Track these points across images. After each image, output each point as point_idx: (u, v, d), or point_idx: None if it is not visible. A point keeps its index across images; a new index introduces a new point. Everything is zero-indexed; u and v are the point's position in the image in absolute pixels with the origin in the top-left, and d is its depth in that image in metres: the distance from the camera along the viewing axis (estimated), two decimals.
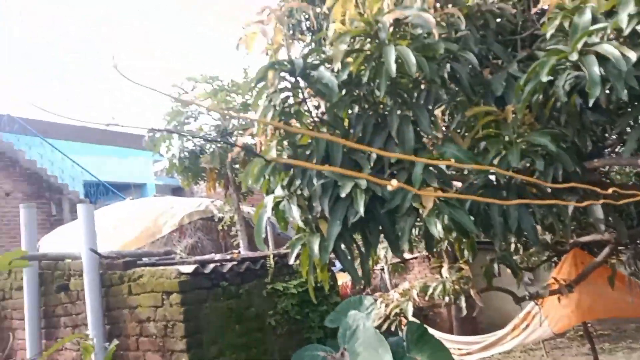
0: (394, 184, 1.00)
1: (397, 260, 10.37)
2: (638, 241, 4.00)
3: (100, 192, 13.62)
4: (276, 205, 2.52)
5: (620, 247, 4.20)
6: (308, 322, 4.92)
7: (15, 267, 3.92)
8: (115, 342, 3.10)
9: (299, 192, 2.46)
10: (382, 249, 7.39)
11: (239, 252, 5.70)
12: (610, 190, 1.91)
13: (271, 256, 4.66)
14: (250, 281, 4.49)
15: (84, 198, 12.44)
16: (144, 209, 8.91)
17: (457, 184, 3.02)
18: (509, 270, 3.79)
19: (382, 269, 11.14)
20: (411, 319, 4.37)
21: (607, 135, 3.24)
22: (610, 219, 2.84)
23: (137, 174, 15.55)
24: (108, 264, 4.36)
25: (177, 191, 15.96)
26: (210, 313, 4.02)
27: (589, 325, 7.22)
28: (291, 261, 2.49)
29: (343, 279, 9.86)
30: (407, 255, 11.05)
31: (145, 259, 4.66)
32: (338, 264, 8.59)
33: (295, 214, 2.40)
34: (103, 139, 15.15)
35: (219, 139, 7.94)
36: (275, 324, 4.57)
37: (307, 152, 2.42)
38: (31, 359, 4.33)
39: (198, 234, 9.62)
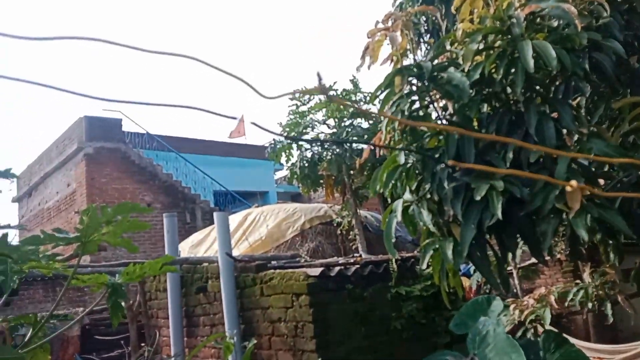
0: (573, 184, 0.94)
1: (527, 263, 9.78)
2: None
3: (228, 201, 14.58)
4: (405, 209, 2.51)
5: None
6: (434, 327, 4.81)
7: (165, 272, 4.33)
8: (254, 341, 3.28)
9: (428, 196, 2.43)
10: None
11: (361, 256, 5.75)
12: None
13: (394, 260, 4.64)
14: (374, 284, 4.51)
15: (214, 206, 13.39)
16: (268, 215, 9.36)
17: (602, 183, 2.79)
18: None
19: (511, 273, 10.58)
20: (548, 327, 4.09)
21: None
22: None
23: (260, 183, 16.44)
24: (241, 267, 4.64)
25: (296, 198, 16.54)
26: (337, 315, 4.10)
27: None
28: (423, 266, 2.46)
29: (466, 282, 9.51)
30: (533, 260, 10.38)
31: (274, 262, 4.89)
32: (461, 268, 8.29)
33: (425, 218, 2.37)
34: (229, 151, 16.23)
35: (345, 140, 8.08)
36: (401, 327, 4.54)
37: (437, 155, 2.38)
38: (176, 355, 4.73)
39: (319, 238, 9.88)
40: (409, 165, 2.46)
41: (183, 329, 5.23)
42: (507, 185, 2.13)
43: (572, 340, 6.82)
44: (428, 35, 4.10)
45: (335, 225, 9.42)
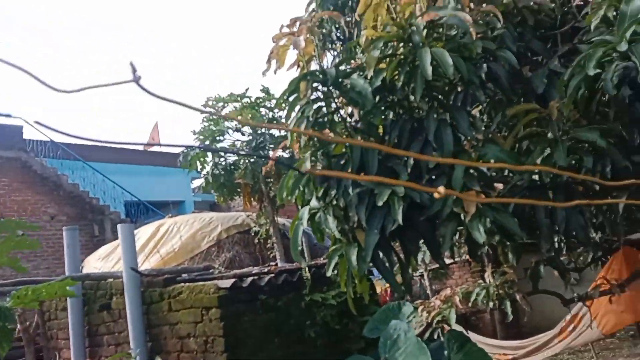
0: (441, 191, 0.94)
1: (437, 265, 10.18)
2: None
3: (141, 211, 13.92)
4: (312, 216, 2.48)
5: None
6: (348, 333, 4.83)
7: (62, 295, 4.01)
8: (158, 359, 3.10)
9: (334, 202, 2.41)
10: (421, 252, 7.21)
11: (277, 265, 5.68)
12: None
13: (307, 268, 4.61)
14: (288, 293, 4.45)
15: (125, 218, 12.72)
16: (182, 226, 9.03)
17: (499, 186, 2.92)
18: (555, 273, 3.63)
19: (422, 275, 10.95)
20: (454, 326, 4.24)
21: None
22: None
23: (175, 192, 15.85)
24: (148, 281, 4.40)
25: (215, 207, 16.17)
26: (250, 327, 3.99)
27: None
28: (329, 273, 2.43)
29: (381, 286, 9.73)
30: (447, 261, 10.82)
31: (184, 275, 4.69)
32: (377, 272, 8.47)
33: (331, 224, 2.35)
34: (141, 159, 15.52)
35: (253, 153, 7.99)
36: (315, 335, 4.51)
37: (342, 162, 2.37)
38: None
39: (236, 248, 9.68)
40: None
41: (85, 349, 4.88)
42: (408, 191, 2.16)
43: (478, 337, 7.19)
44: (340, 42, 4.14)
45: (253, 234, 9.28)
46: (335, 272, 2.56)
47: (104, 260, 8.05)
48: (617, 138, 2.43)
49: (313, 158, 2.42)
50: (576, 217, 2.30)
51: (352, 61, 2.62)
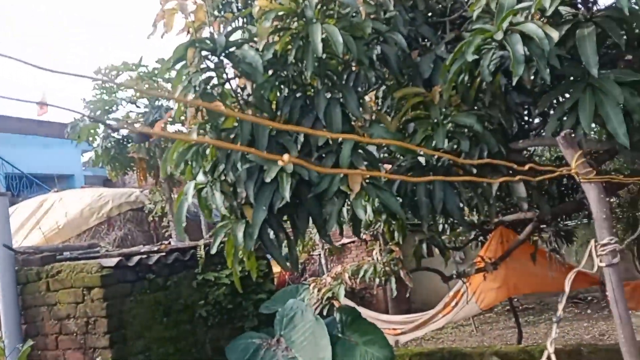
0: (285, 158, 0.92)
1: (335, 244, 10.45)
2: (558, 219, 4.19)
3: (24, 185, 12.77)
4: (199, 192, 2.40)
5: (542, 226, 4.39)
6: (241, 312, 4.81)
7: None
8: (30, 342, 2.87)
9: (222, 177, 2.35)
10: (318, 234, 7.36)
11: (169, 243, 5.48)
12: (527, 167, 1.94)
13: (202, 246, 4.50)
14: (179, 272, 4.31)
15: (6, 192, 11.56)
16: (69, 201, 8.42)
17: (387, 167, 3.02)
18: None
19: (320, 255, 11.19)
20: (344, 301, 4.38)
21: (531, 119, 3.34)
22: (532, 198, 2.93)
23: (64, 165, 14.67)
24: (24, 260, 4.05)
25: (108, 183, 15.26)
26: (136, 307, 3.82)
27: (515, 300, 7.58)
28: (213, 250, 2.38)
29: (278, 267, 9.79)
30: (344, 240, 11.14)
31: (66, 254, 4.37)
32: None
33: (218, 200, 2.29)
34: (25, 128, 14.17)
35: (113, 125, 7.56)
36: (207, 314, 4.43)
37: (232, 136, 2.31)
38: None
39: (128, 226, 9.23)
40: (203, 145, 2.35)
41: None
42: (296, 168, 2.16)
43: (369, 313, 7.50)
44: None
45: (147, 212, 8.88)
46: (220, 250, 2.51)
47: None
48: (495, 125, 2.61)
49: (201, 130, 2.33)
50: (453, 198, 2.43)
51: (244, 31, 2.54)
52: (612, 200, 6.13)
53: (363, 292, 11.04)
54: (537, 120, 3.32)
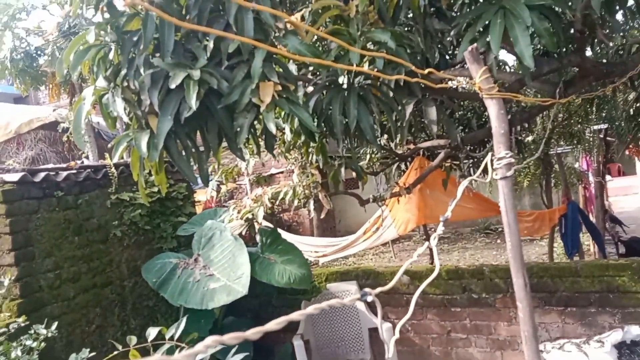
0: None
1: (265, 174, 10.44)
2: (471, 147, 4.37)
3: None
4: (100, 98, 2.24)
5: (455, 154, 4.57)
6: (159, 233, 4.75)
7: None
8: None
9: (125, 83, 2.20)
10: (244, 163, 7.28)
11: (81, 162, 5.22)
12: (437, 86, 1.96)
13: (112, 165, 4.32)
14: (91, 191, 4.14)
15: None
16: None
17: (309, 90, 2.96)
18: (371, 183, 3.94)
19: (246, 184, 11.17)
20: (263, 222, 4.42)
21: (456, 51, 3.37)
22: (442, 123, 3.01)
23: None
24: None
25: (20, 100, 14.16)
26: (44, 225, 3.66)
27: (430, 229, 8.02)
28: (114, 159, 2.27)
29: (206, 194, 9.71)
30: (273, 170, 11.15)
31: None
32: (200, 181, 8.37)
33: (119, 108, 2.15)
34: None
35: None
36: (122, 235, 4.34)
37: (135, 38, 2.14)
38: None
39: (40, 145, 8.70)
40: (103, 47, 2.17)
41: None
42: (205, 76, 2.05)
43: (295, 237, 7.66)
44: None
45: (61, 131, 8.37)
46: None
47: None
48: (417, 52, 2.60)
49: (102, 32, 2.15)
50: (366, 117, 2.44)
51: None
52: (527, 137, 6.47)
53: (290, 221, 11.26)
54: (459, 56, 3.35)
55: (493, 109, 1.73)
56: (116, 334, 4.06)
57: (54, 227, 3.75)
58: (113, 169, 4.25)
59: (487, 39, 2.16)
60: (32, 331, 2.39)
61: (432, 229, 10.07)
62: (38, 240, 3.61)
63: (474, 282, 4.46)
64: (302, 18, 3.03)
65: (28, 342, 2.30)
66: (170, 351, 3.00)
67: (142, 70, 2.10)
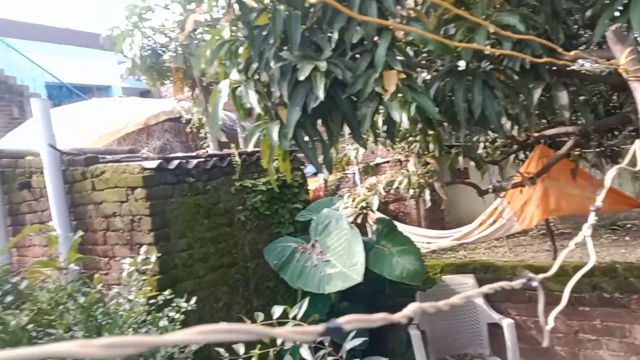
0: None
1: (376, 162, 10.47)
2: (602, 135, 4.04)
3: (64, 95, 13.07)
4: (233, 91, 2.41)
5: (584, 143, 4.25)
6: (277, 218, 4.99)
7: None
8: (80, 232, 3.07)
9: (256, 76, 2.34)
10: (354, 150, 7.35)
11: (207, 151, 5.61)
12: (572, 66, 1.84)
13: (237, 153, 4.59)
14: (217, 178, 4.45)
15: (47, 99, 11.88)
16: (108, 108, 8.63)
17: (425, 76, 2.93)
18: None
19: (355, 173, 11.27)
20: (377, 212, 4.46)
21: (580, 30, 3.14)
22: (575, 107, 2.82)
23: (101, 76, 14.87)
24: (69, 160, 4.24)
25: (145, 94, 15.45)
26: (177, 208, 4.00)
27: (552, 223, 7.54)
28: (249, 147, 2.42)
29: (315, 183, 9.96)
30: (379, 159, 11.14)
31: (108, 157, 4.55)
32: (309, 168, 8.62)
33: (252, 99, 2.29)
34: (64, 38, 14.27)
35: None
36: (245, 219, 4.62)
37: (264, 33, 2.26)
38: (1, 251, 4.32)
39: (166, 136, 9.45)
40: (236, 42, 2.32)
41: (7, 228, 4.76)
42: (331, 67, 2.12)
43: (405, 226, 7.61)
44: None
45: (184, 122, 9.02)
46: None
47: (20, 141, 7.63)
48: (540, 32, 2.46)
49: (233, 27, 2.29)
50: (491, 103, 2.36)
51: None
52: None
53: (396, 211, 11.18)
54: (585, 35, 3.12)
55: None
56: (240, 311, 4.34)
57: (186, 210, 4.08)
58: (237, 158, 4.53)
59: (627, 18, 2.00)
60: (175, 304, 2.65)
61: (554, 225, 9.44)
62: (173, 222, 3.96)
63: (605, 280, 4.14)
64: (416, 4, 3.00)
65: (171, 314, 2.56)
66: None
67: (271, 64, 2.21)
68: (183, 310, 2.64)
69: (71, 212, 4.24)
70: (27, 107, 11.03)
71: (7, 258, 4.63)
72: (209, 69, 2.30)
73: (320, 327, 0.47)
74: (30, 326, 2.27)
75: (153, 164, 3.89)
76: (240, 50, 2.40)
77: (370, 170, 8.64)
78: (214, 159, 4.49)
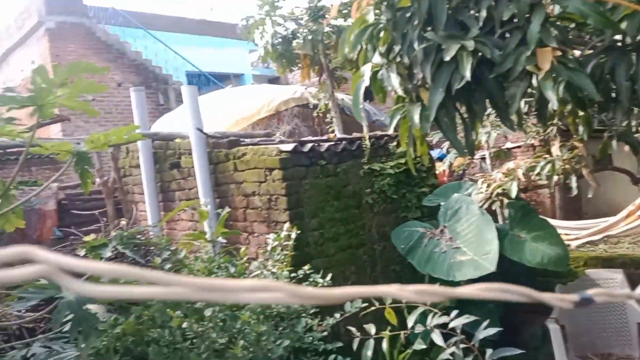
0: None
1: (508, 147, 9.98)
2: None
3: (202, 82, 14.11)
4: (374, 74, 2.43)
5: None
6: (404, 202, 4.97)
7: (130, 141, 4.27)
8: (227, 208, 3.34)
9: (398, 59, 2.34)
10: (485, 134, 7.04)
11: (335, 135, 5.74)
12: None
13: (367, 137, 4.64)
14: (347, 161, 4.55)
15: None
16: (242, 96, 9.16)
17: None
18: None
19: (483, 158, 10.81)
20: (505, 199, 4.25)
21: None
22: None
23: (234, 65, 15.84)
24: (214, 142, 4.60)
25: (273, 81, 16.12)
26: (310, 189, 4.17)
27: None
28: (390, 130, 2.44)
29: (440, 167, 9.72)
30: (509, 144, 10.55)
31: (247, 140, 4.85)
32: (435, 152, 8.39)
33: (394, 82, 2.29)
34: (201, 29, 15.40)
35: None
36: (373, 202, 4.67)
37: (408, 15, 2.25)
38: (153, 225, 4.84)
39: (295, 121, 9.81)
40: (379, 25, 2.33)
41: (159, 203, 5.31)
42: (478, 46, 2.05)
43: (545, 218, 7.14)
44: None
45: (311, 107, 9.29)
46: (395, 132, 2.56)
47: (169, 127, 8.40)
48: None
49: (376, 10, 2.31)
50: None
51: None
52: None
53: (528, 200, 10.53)
54: None
55: None
56: None
57: (318, 191, 4.23)
58: (367, 141, 4.58)
59: None
60: (312, 279, 2.78)
61: None
62: (306, 202, 4.14)
63: None
64: None
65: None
66: (423, 314, 3.15)
67: (415, 45, 2.19)
68: (320, 285, 2.76)
69: (215, 190, 4.60)
70: (170, 94, 12.12)
71: (158, 230, 5.16)
72: (353, 54, 2.34)
73: (575, 296, 0.47)
74: None
75: (289, 146, 4.07)
76: (381, 34, 2.41)
77: (502, 155, 8.24)
78: (344, 142, 4.59)
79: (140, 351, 2.25)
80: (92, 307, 2.32)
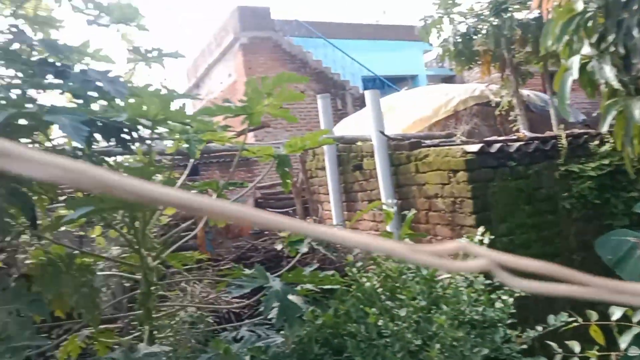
0: None
1: None
2: None
3: (377, 86, 14.38)
4: (583, 66, 2.21)
5: None
6: (609, 208, 4.43)
7: (322, 144, 4.54)
8: (413, 210, 3.35)
9: (612, 49, 2.09)
10: None
11: (525, 134, 5.36)
12: None
13: (564, 135, 4.25)
14: (539, 162, 4.21)
15: (364, 92, 13.31)
16: (419, 97, 9.11)
17: None
18: None
19: None
20: None
21: None
22: None
23: (408, 66, 15.85)
24: (395, 145, 4.65)
25: (447, 80, 15.76)
26: (498, 192, 3.96)
27: None
28: (604, 128, 2.19)
29: None
30: None
31: (428, 141, 4.81)
32: None
33: (608, 74, 2.06)
34: (375, 33, 15.74)
35: None
36: (570, 207, 4.25)
37: (624, 0, 2.00)
38: (338, 224, 5.07)
39: (474, 120, 9.42)
40: (588, 13, 2.12)
41: (342, 203, 5.55)
42: None
43: None
44: None
45: (493, 106, 8.85)
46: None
47: (345, 130, 8.71)
48: None
49: None
50: None
51: None
52: None
53: None
54: None
55: None
56: (565, 306, 4.05)
57: (507, 195, 4.00)
58: (563, 140, 4.20)
59: None
60: (507, 287, 2.63)
61: None
62: (493, 206, 3.94)
63: None
64: None
65: (504, 297, 2.55)
66: (637, 337, 2.77)
67: (634, 32, 1.94)
68: (516, 295, 2.60)
69: (396, 192, 4.65)
70: (347, 99, 12.60)
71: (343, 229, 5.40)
72: (557, 46, 2.16)
73: None
74: (379, 289, 2.58)
75: (475, 147, 3.93)
76: (589, 23, 2.18)
77: None
78: (536, 142, 4.26)
79: (337, 343, 2.38)
80: (292, 298, 2.52)
